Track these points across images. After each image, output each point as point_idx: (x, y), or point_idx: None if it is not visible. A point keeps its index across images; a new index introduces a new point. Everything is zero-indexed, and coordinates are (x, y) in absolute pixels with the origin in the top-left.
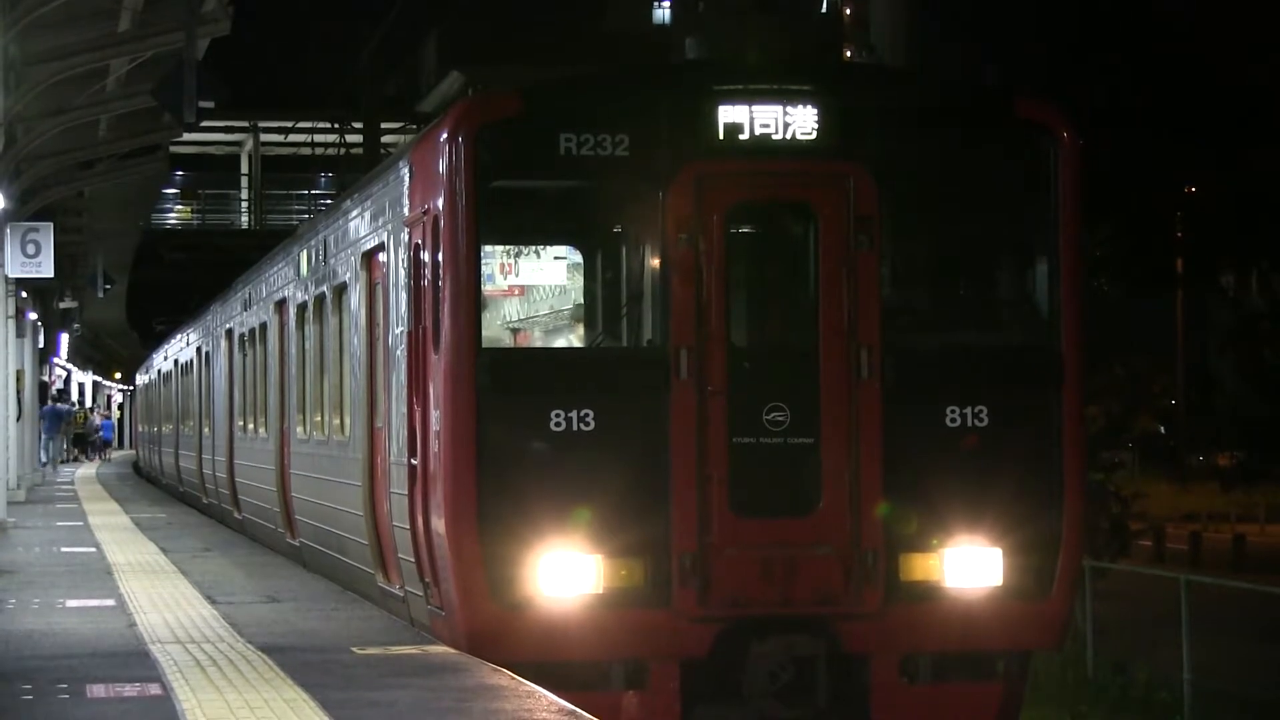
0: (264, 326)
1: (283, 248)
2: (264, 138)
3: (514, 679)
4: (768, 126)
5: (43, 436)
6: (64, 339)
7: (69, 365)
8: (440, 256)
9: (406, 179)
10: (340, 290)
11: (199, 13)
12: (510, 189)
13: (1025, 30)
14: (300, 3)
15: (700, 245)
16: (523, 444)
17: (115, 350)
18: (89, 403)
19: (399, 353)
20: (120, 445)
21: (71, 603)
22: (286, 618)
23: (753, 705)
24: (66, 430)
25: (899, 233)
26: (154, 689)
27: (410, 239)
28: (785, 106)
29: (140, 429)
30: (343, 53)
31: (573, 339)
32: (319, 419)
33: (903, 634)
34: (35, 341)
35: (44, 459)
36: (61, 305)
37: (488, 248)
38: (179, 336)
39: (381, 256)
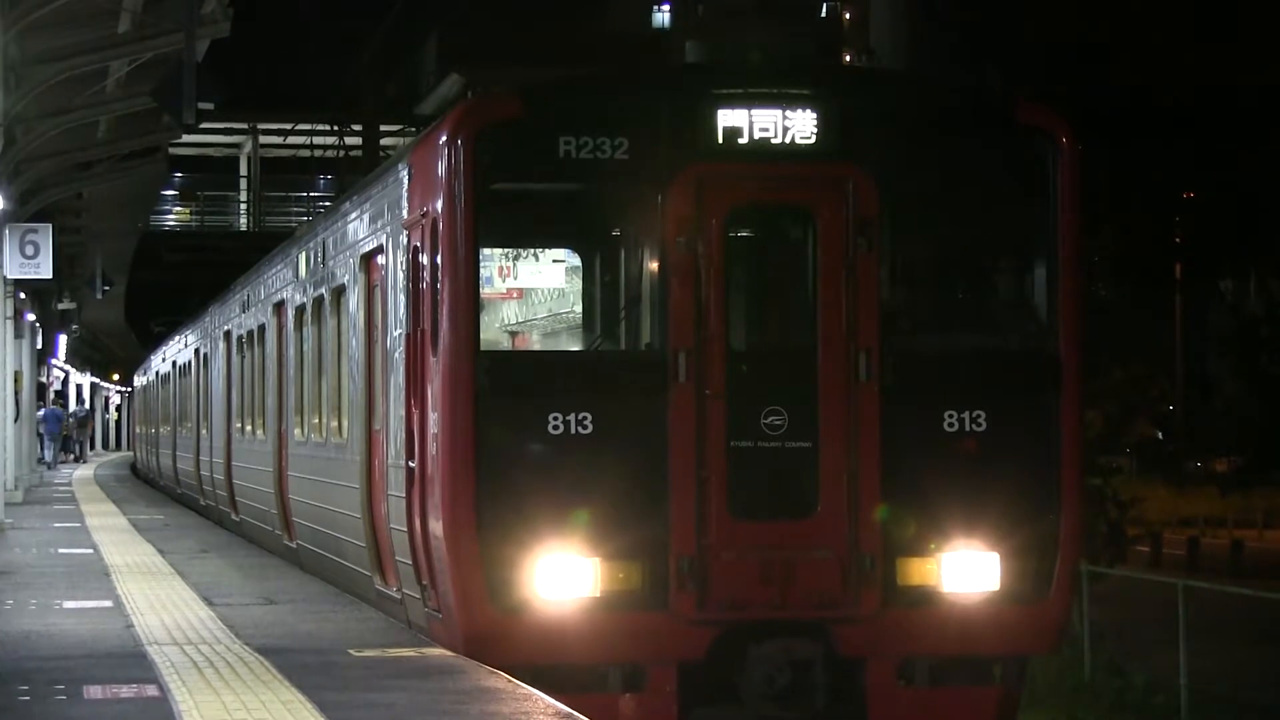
0: (262, 328)
1: (281, 250)
2: (263, 139)
3: (511, 682)
4: (767, 130)
5: (44, 438)
6: (62, 340)
7: (67, 366)
8: (439, 259)
9: (405, 181)
10: (339, 292)
11: (198, 14)
12: (509, 191)
13: (1027, 34)
14: (300, 4)
15: (699, 248)
16: (521, 447)
17: (113, 351)
18: (82, 403)
19: (397, 355)
20: (118, 446)
21: (69, 604)
22: (284, 619)
23: (750, 708)
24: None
25: (898, 236)
26: (151, 690)
27: (409, 241)
28: (785, 110)
29: (138, 430)
30: (342, 55)
31: (571, 342)
32: (317, 421)
33: (900, 638)
34: (33, 342)
35: (47, 458)
36: (60, 306)
37: (487, 250)
38: (177, 338)
39: (380, 259)
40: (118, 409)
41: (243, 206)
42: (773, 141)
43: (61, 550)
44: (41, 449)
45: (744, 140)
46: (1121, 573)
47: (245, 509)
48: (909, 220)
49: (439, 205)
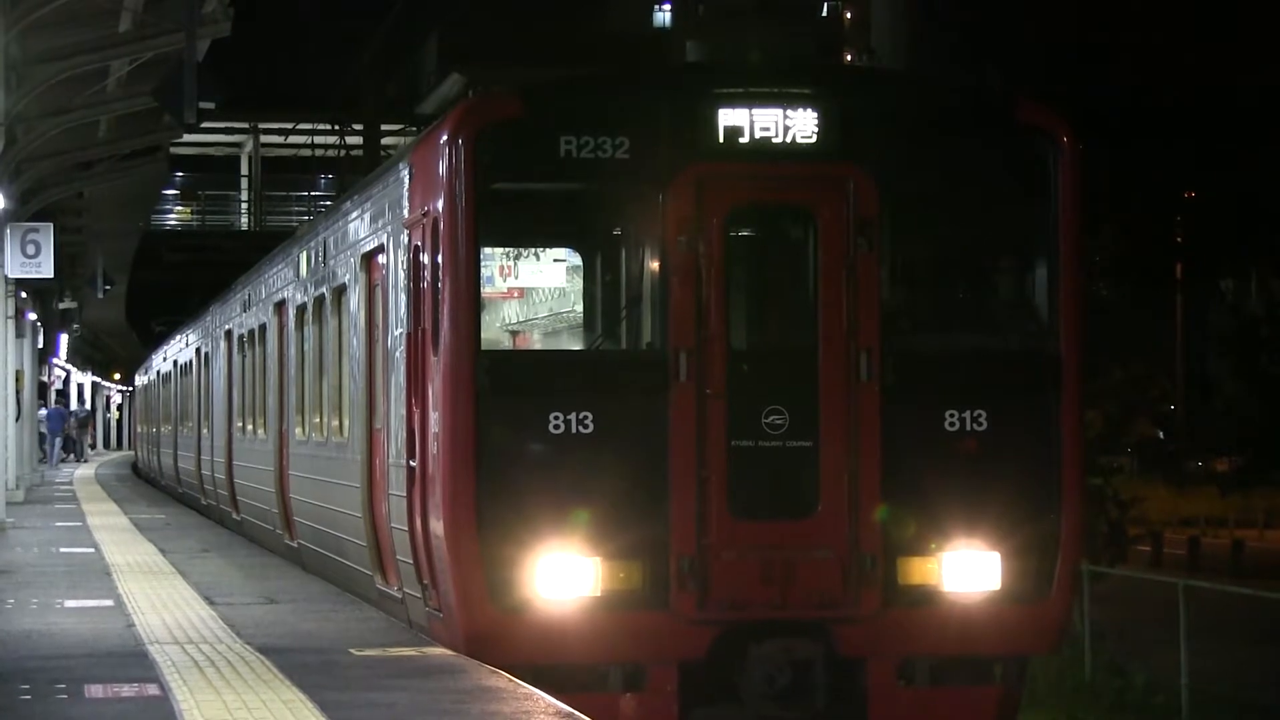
0: (263, 328)
1: (282, 249)
2: (264, 139)
3: (512, 681)
4: (768, 129)
5: (48, 435)
6: (63, 339)
7: (68, 366)
8: (440, 258)
9: (406, 181)
10: (340, 292)
11: (199, 13)
12: (510, 191)
13: (1027, 34)
14: (300, 4)
15: (700, 248)
16: (522, 446)
17: (115, 351)
18: (83, 403)
19: (398, 354)
20: (119, 446)
21: (70, 603)
22: (285, 619)
23: (750, 708)
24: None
25: (899, 235)
26: (152, 689)
27: (410, 241)
28: (785, 109)
29: (139, 430)
30: (342, 55)
31: (572, 341)
32: (318, 420)
33: (900, 637)
34: (34, 342)
35: (53, 457)
36: (61, 306)
37: (487, 250)
38: (178, 337)
39: (381, 258)
40: (119, 408)
41: (244, 206)
42: (773, 141)
43: (63, 549)
44: (43, 448)
45: (744, 140)
46: (1122, 572)
47: (246, 508)
48: (909, 220)
49: (440, 205)
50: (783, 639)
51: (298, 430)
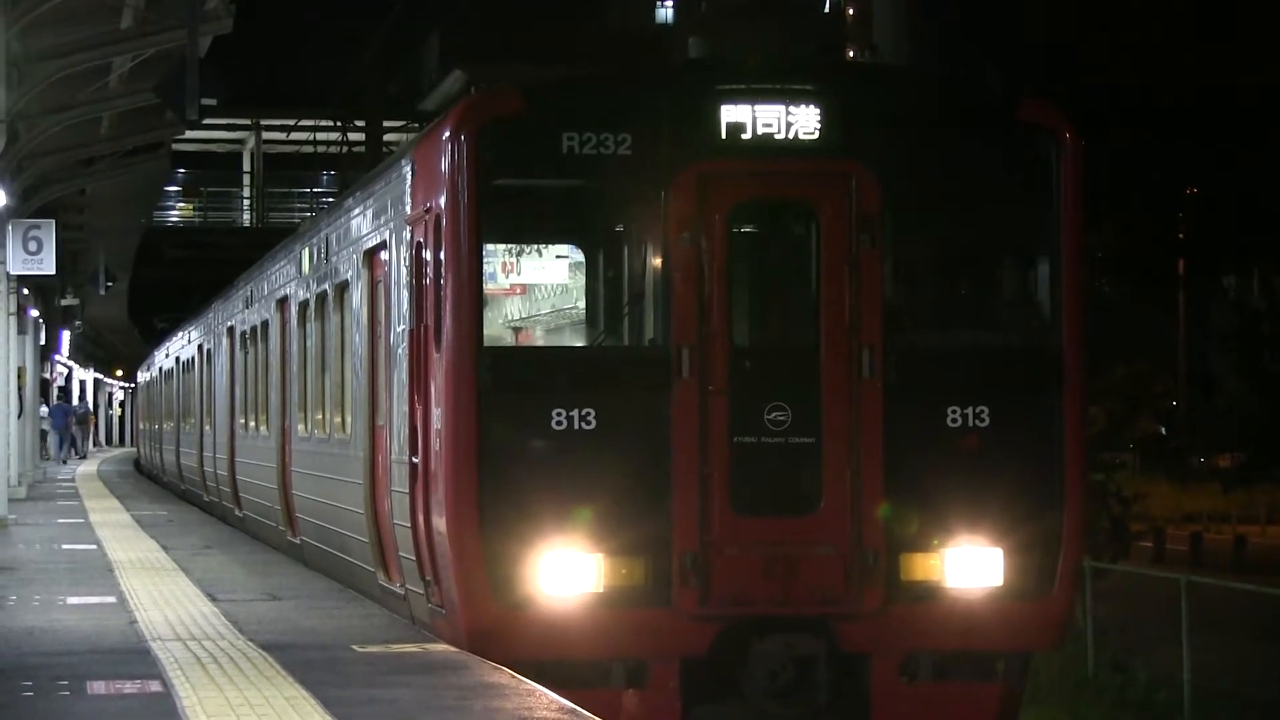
0: (266, 324)
1: (284, 246)
2: (266, 136)
3: (515, 677)
4: (770, 126)
5: (51, 434)
6: (65, 336)
7: (70, 362)
8: (442, 255)
9: (409, 177)
10: (342, 288)
11: (201, 10)
12: (512, 187)
13: (1027, 34)
14: (302, 1)
15: (702, 244)
16: (524, 442)
17: (117, 347)
18: (84, 401)
19: (400, 351)
20: (122, 443)
21: (72, 600)
22: (287, 615)
23: (753, 704)
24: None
25: (901, 232)
26: (154, 686)
27: (412, 237)
28: (788, 106)
29: (141, 426)
30: (343, 55)
31: (574, 338)
32: (320, 417)
33: (903, 633)
34: (37, 339)
35: (59, 454)
36: (63, 302)
37: (490, 246)
38: (181, 334)
39: (383, 255)
40: (121, 405)
41: (246, 203)
42: (775, 138)
43: (65, 546)
44: (44, 445)
45: (747, 136)
46: (1124, 569)
47: (249, 505)
48: (911, 217)
49: (442, 201)
50: (785, 635)
51: (300, 427)
